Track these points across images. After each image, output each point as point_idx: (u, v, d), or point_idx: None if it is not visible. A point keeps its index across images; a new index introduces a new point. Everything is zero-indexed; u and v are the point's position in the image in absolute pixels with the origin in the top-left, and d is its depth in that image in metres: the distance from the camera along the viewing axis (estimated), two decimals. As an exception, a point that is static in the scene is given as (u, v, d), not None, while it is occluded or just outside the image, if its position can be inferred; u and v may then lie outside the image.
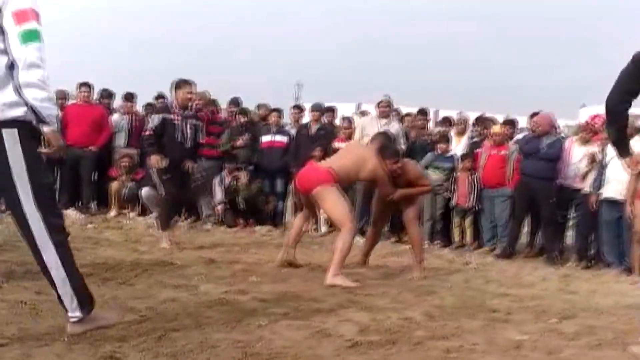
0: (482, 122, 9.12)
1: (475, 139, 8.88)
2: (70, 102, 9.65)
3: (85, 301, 3.28)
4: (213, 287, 4.88)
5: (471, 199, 8.26)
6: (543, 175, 7.81)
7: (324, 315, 4.21)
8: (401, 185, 6.04)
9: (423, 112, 9.63)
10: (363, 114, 10.42)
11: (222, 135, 9.24)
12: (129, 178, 9.13)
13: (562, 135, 8.85)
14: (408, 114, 9.81)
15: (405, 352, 3.55)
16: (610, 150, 7.43)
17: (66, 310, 3.26)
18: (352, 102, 20.39)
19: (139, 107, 10.07)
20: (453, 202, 8.37)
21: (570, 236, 8.40)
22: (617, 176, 7.25)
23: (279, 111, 9.72)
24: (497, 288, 5.72)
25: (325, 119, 9.72)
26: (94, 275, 4.75)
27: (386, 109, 8.78)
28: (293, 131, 9.52)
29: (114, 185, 9.14)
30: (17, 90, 2.95)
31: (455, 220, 8.47)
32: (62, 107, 8.94)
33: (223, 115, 9.88)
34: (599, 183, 7.42)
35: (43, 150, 3.10)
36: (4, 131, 2.98)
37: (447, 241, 8.48)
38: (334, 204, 5.61)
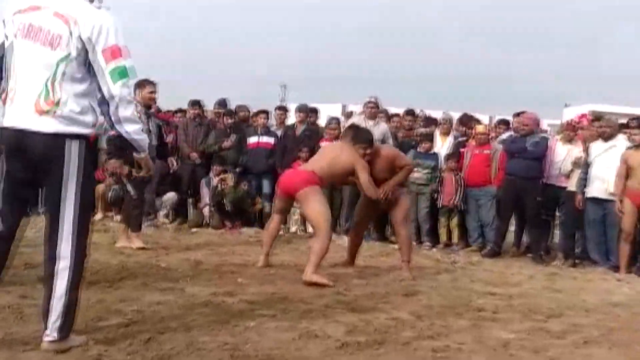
0: (467, 122, 9.15)
1: (460, 139, 8.90)
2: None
3: (67, 326, 3.21)
4: (200, 289, 4.86)
5: (456, 198, 8.28)
6: (528, 174, 7.84)
7: (312, 317, 4.20)
8: (382, 174, 5.98)
9: (410, 113, 9.64)
10: (349, 115, 10.41)
11: (208, 137, 9.24)
12: (114, 180, 9.07)
13: (547, 134, 8.92)
14: (396, 115, 9.82)
15: (393, 353, 3.56)
16: (595, 149, 7.50)
17: (45, 328, 3.19)
18: (337, 102, 20.41)
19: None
20: (439, 203, 8.38)
21: (556, 235, 8.45)
22: (601, 175, 7.31)
23: (266, 112, 9.68)
24: (484, 287, 5.74)
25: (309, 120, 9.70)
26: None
27: (374, 110, 8.77)
28: (280, 132, 9.51)
29: (100, 188, 9.08)
30: (113, 125, 3.22)
31: (442, 220, 8.48)
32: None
33: (209, 116, 9.86)
34: (584, 182, 7.47)
35: (135, 172, 3.71)
36: (69, 141, 3.14)
37: (436, 241, 8.49)
38: (316, 206, 5.62)
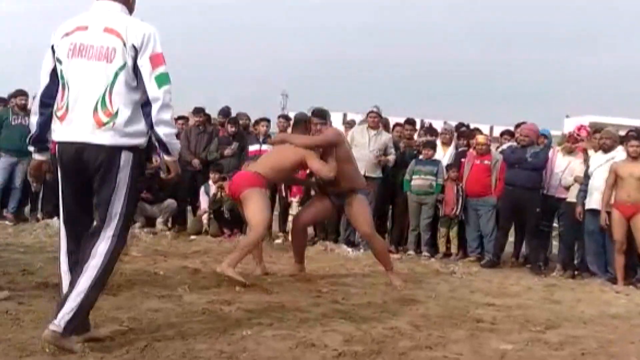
0: (467, 135, 9.13)
1: (462, 149, 8.89)
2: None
3: (74, 324, 3.25)
4: (197, 297, 4.86)
5: (457, 208, 8.27)
6: (528, 185, 7.83)
7: (309, 326, 4.20)
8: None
9: (410, 122, 9.63)
10: (350, 124, 10.40)
11: (211, 144, 9.28)
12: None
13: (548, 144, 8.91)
14: (398, 124, 9.81)
15: (390, 363, 3.55)
16: (594, 161, 7.50)
17: (54, 317, 3.22)
18: (338, 111, 20.46)
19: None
20: (441, 212, 8.37)
21: (555, 246, 8.44)
22: (600, 186, 7.30)
23: (267, 120, 9.69)
24: (482, 298, 5.73)
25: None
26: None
27: (376, 120, 8.75)
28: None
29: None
30: (152, 126, 3.37)
31: (442, 230, 8.47)
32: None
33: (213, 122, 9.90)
34: (584, 194, 7.47)
35: (162, 175, 3.76)
36: (124, 152, 3.37)
37: (435, 251, 8.47)
38: (256, 207, 5.64)
